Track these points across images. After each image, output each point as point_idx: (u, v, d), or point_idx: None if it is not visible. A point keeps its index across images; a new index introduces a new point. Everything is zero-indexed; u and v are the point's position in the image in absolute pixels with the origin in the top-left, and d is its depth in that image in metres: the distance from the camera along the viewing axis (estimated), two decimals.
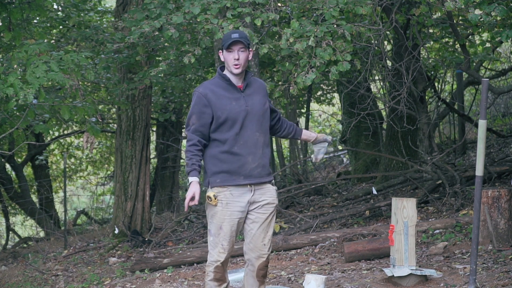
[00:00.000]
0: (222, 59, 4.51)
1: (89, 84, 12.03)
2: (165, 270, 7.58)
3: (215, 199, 4.45)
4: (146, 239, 9.35)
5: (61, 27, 11.79)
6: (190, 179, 4.40)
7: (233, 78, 4.52)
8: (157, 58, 9.68)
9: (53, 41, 11.76)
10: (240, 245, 6.47)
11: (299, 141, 12.54)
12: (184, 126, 14.51)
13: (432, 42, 10.92)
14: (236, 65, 4.46)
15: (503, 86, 13.07)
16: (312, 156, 4.83)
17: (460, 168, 9.31)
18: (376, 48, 7.87)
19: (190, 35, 7.76)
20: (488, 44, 9.62)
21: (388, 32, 9.13)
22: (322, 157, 4.83)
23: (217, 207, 4.47)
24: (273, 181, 4.66)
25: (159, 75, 9.48)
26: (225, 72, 4.54)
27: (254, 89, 4.58)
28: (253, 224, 4.55)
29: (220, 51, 4.51)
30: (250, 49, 4.53)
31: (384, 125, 11.92)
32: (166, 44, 8.92)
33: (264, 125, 4.54)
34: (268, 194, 4.57)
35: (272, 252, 7.26)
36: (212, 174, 4.48)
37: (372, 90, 11.37)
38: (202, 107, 4.46)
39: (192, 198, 4.38)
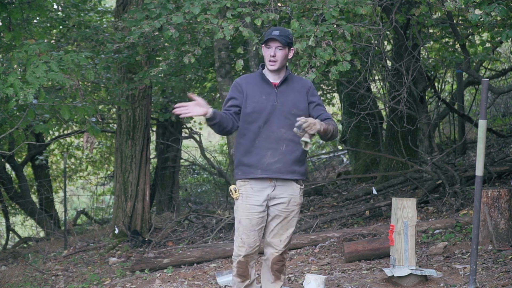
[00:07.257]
0: (263, 54, 4.58)
1: (89, 84, 12.02)
2: (165, 270, 7.57)
3: (235, 192, 4.55)
4: (146, 239, 9.35)
5: (61, 27, 11.78)
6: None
7: (270, 75, 4.58)
8: (157, 58, 9.68)
9: (53, 41, 11.75)
10: None
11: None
12: (183, 126, 14.33)
13: (432, 42, 10.92)
14: (271, 61, 4.51)
15: (503, 86, 13.07)
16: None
17: (460, 168, 9.31)
18: (376, 48, 7.87)
19: (190, 35, 7.76)
20: (488, 44, 9.62)
21: (388, 32, 9.13)
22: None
23: (238, 201, 4.56)
24: (301, 180, 4.59)
25: (159, 75, 9.48)
26: (265, 68, 4.61)
27: (293, 87, 4.58)
28: (272, 221, 4.59)
29: (263, 45, 4.57)
30: (292, 48, 4.56)
31: (384, 125, 11.91)
32: (166, 44, 8.92)
33: (294, 123, 4.41)
34: (290, 191, 4.57)
35: None
36: (236, 165, 4.59)
37: (372, 90, 11.35)
38: (237, 92, 4.56)
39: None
